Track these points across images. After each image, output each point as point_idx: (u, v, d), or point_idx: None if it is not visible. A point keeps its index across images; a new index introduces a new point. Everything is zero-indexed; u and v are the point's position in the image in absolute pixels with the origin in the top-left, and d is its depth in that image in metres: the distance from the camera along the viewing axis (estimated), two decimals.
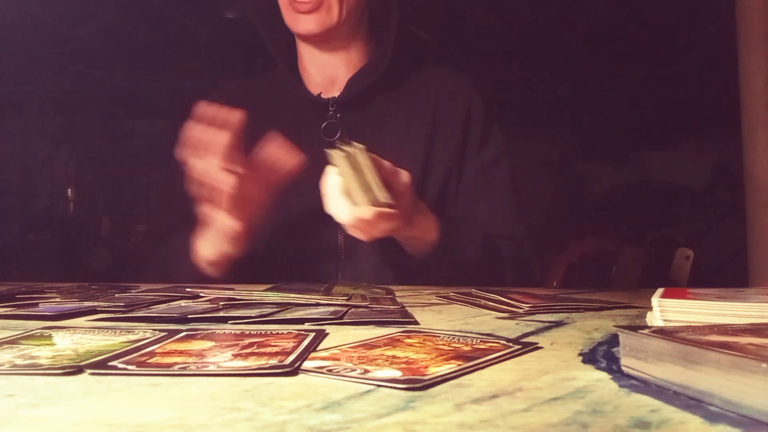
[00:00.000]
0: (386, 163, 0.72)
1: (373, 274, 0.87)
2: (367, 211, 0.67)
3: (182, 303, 0.54)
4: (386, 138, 0.93)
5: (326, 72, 0.96)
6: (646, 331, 0.28)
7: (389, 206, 0.69)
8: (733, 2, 1.62)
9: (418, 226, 0.79)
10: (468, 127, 0.96)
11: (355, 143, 0.69)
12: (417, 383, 0.26)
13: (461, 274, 0.83)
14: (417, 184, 0.91)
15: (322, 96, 0.94)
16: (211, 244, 0.77)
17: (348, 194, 0.69)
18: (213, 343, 0.35)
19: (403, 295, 0.68)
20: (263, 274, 0.89)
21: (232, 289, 0.63)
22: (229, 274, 0.80)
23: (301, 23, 0.88)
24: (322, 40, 0.93)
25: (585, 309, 0.53)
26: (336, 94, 0.94)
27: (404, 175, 0.74)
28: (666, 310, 0.39)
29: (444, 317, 0.50)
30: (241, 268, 0.80)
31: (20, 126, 3.50)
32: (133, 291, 0.65)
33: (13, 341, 0.36)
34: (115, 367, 0.29)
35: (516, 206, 0.97)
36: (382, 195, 0.68)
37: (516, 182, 0.99)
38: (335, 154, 0.68)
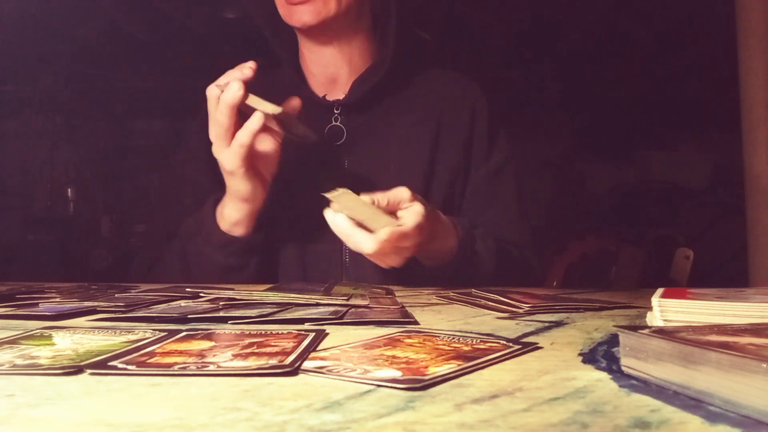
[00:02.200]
0: (378, 195, 0.72)
1: (379, 278, 0.87)
2: (385, 233, 0.67)
3: (182, 303, 0.54)
4: (391, 142, 0.93)
5: (328, 71, 0.95)
6: (646, 331, 0.28)
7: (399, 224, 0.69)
8: (733, 2, 1.62)
9: (439, 236, 0.79)
10: (473, 132, 0.96)
11: (338, 189, 0.70)
12: (417, 383, 0.26)
13: (475, 282, 0.83)
14: (422, 189, 0.90)
15: (327, 98, 0.94)
16: (233, 206, 0.80)
17: (361, 225, 0.70)
18: (213, 343, 0.35)
19: (403, 295, 0.68)
20: (266, 275, 0.89)
21: (232, 289, 0.63)
22: (254, 231, 0.83)
23: (296, 15, 0.87)
24: (320, 32, 0.91)
25: (585, 309, 0.53)
26: (340, 96, 0.94)
27: (402, 191, 0.73)
28: (666, 310, 0.39)
29: (444, 317, 0.50)
30: (263, 224, 0.83)
31: (20, 126, 3.50)
32: (133, 291, 0.65)
33: (13, 341, 0.36)
34: (115, 367, 0.29)
35: (520, 211, 0.97)
36: (387, 219, 0.69)
37: (521, 188, 0.99)
38: (334, 194, 0.69)
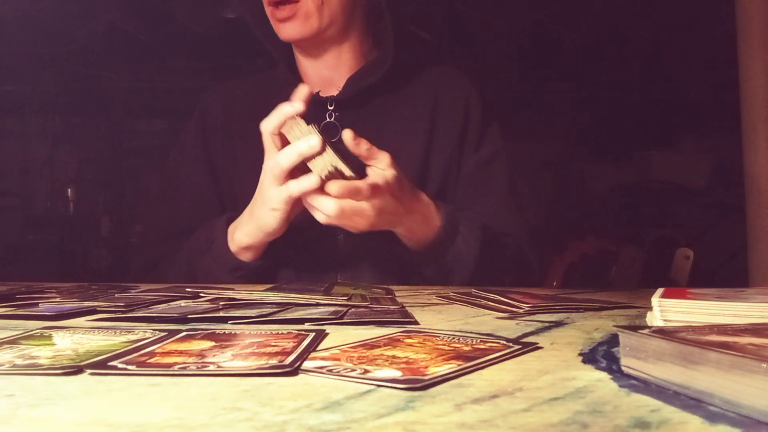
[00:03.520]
0: (363, 144, 0.72)
1: (373, 275, 0.87)
2: (334, 186, 0.67)
3: (182, 303, 0.54)
4: (386, 137, 0.93)
5: (322, 73, 0.96)
6: (646, 331, 0.28)
7: (356, 178, 0.69)
8: (733, 3, 1.62)
9: (417, 212, 0.79)
10: (467, 125, 0.96)
11: (308, 126, 0.69)
12: (417, 383, 0.26)
13: (462, 268, 0.83)
14: (417, 182, 0.90)
15: (321, 94, 0.94)
16: (249, 233, 0.79)
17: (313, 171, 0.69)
18: (213, 343, 0.35)
19: (403, 295, 0.68)
20: (263, 275, 0.89)
21: (232, 289, 0.63)
22: (263, 257, 0.82)
23: (283, 30, 0.89)
24: (309, 45, 0.93)
25: (585, 309, 0.53)
26: (335, 93, 0.94)
27: (383, 156, 0.73)
28: (666, 310, 0.39)
29: (444, 317, 0.50)
30: (274, 252, 0.82)
31: (20, 126, 3.51)
32: (133, 291, 0.65)
33: (13, 341, 0.36)
34: (115, 367, 0.29)
35: (514, 204, 0.97)
36: (346, 170, 0.68)
37: (514, 180, 0.99)
38: (288, 126, 0.69)
